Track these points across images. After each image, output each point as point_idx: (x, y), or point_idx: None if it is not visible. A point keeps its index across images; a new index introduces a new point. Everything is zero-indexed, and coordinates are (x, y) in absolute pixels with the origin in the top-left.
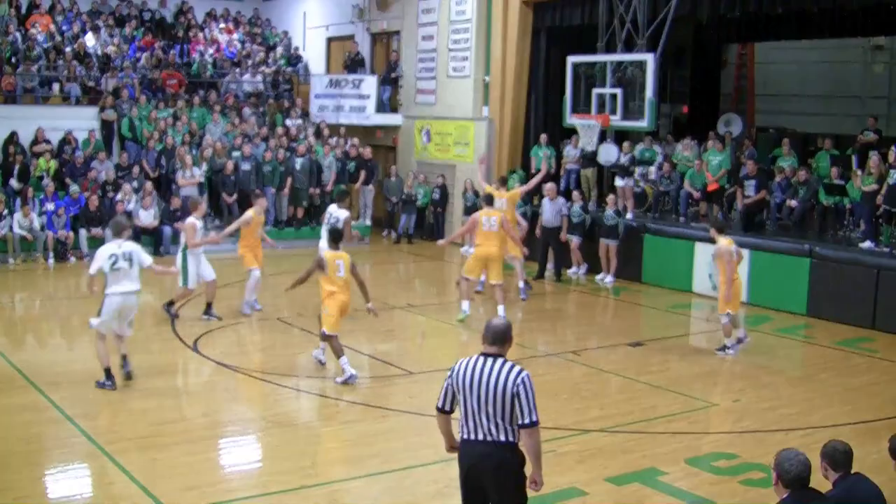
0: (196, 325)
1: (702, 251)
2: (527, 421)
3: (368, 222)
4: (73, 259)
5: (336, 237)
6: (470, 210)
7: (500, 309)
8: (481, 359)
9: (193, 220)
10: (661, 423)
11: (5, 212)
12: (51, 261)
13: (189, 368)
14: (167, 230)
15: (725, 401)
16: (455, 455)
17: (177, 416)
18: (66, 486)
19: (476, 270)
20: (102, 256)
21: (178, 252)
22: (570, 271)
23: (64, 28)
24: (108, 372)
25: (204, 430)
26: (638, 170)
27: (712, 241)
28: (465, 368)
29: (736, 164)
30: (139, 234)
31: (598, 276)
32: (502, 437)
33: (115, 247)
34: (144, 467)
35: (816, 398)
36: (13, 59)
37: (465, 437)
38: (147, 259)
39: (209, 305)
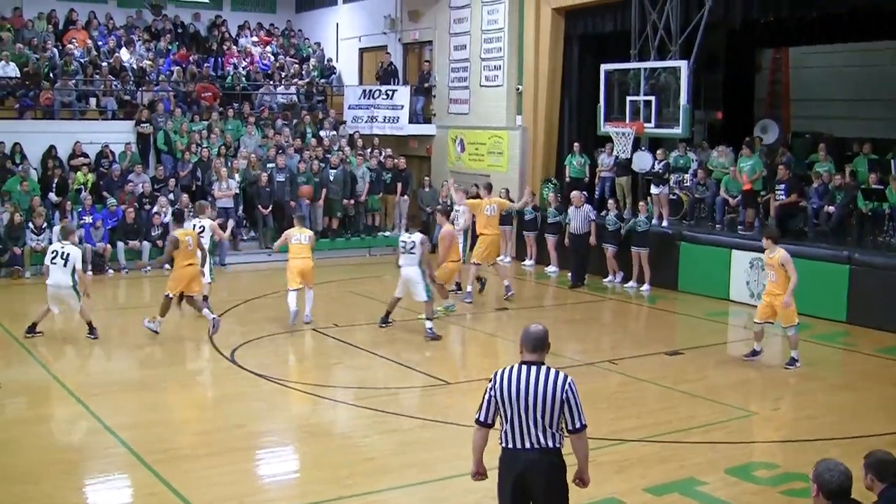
0: (233, 336)
1: (738, 258)
2: (578, 425)
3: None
4: (110, 271)
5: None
6: (505, 219)
7: (507, 282)
8: (524, 367)
9: (211, 220)
10: (700, 433)
11: (45, 225)
12: (89, 273)
13: (226, 379)
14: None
15: (765, 409)
16: (478, 477)
17: (215, 427)
18: (106, 496)
19: (485, 255)
20: (48, 252)
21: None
22: (606, 280)
23: (100, 43)
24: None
25: (242, 441)
26: (673, 177)
27: (762, 249)
28: (509, 378)
29: (773, 170)
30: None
31: (628, 285)
32: (550, 444)
33: (59, 246)
34: (183, 477)
35: (857, 407)
36: (51, 75)
37: (511, 446)
38: (77, 265)
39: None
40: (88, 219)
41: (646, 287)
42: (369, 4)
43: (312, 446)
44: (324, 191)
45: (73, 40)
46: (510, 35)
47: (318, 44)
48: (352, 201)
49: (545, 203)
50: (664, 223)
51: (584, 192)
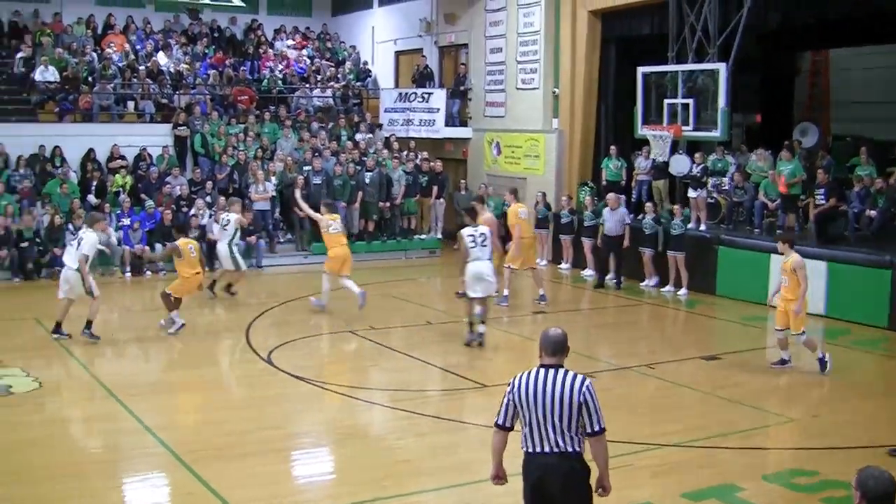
0: (270, 338)
1: (777, 262)
2: (596, 428)
3: (440, 235)
4: (148, 273)
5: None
6: (541, 222)
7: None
8: (542, 371)
9: (238, 216)
10: (738, 438)
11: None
12: (127, 274)
13: (263, 380)
14: (240, 244)
15: (804, 416)
16: (497, 481)
17: (252, 427)
18: (145, 495)
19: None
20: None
21: (226, 246)
22: (643, 284)
23: (138, 47)
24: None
25: (278, 441)
26: (711, 180)
27: (781, 253)
28: (527, 382)
29: (812, 174)
30: (213, 247)
31: (665, 289)
32: (569, 448)
33: (81, 231)
34: (221, 477)
35: None
36: (90, 79)
37: (531, 450)
38: (83, 250)
39: (223, 286)
40: (126, 221)
41: (683, 291)
42: (405, 7)
43: (348, 448)
44: (360, 194)
45: (112, 44)
46: (546, 37)
47: (354, 47)
48: (387, 204)
49: (581, 206)
50: (702, 227)
51: (622, 196)
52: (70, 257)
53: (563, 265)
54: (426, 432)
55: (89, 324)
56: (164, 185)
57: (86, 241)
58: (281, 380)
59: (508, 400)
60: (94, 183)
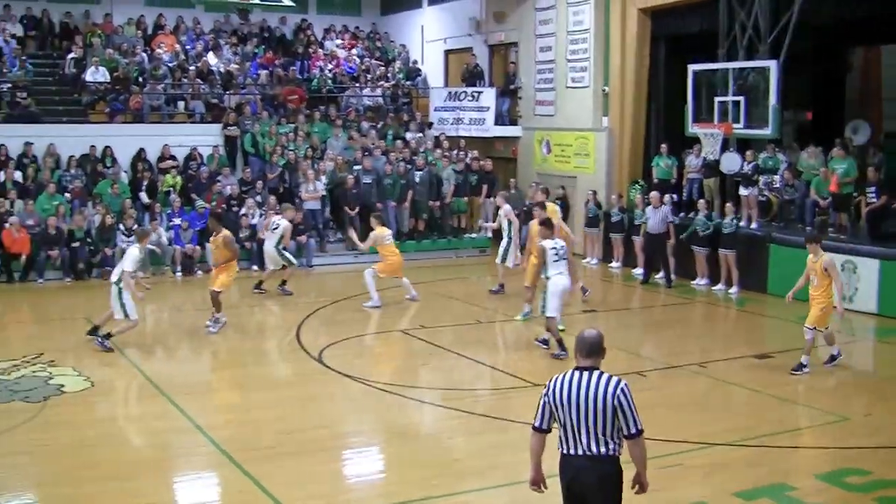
0: (321, 337)
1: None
2: (633, 431)
3: (489, 234)
4: (199, 272)
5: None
6: (592, 221)
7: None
8: (577, 373)
9: (288, 223)
10: (790, 437)
11: (135, 226)
12: (178, 274)
13: (314, 379)
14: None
15: (856, 415)
16: (535, 487)
17: (302, 426)
18: (196, 493)
19: None
20: None
21: (273, 249)
22: (694, 282)
23: (188, 47)
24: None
25: (329, 440)
26: (762, 178)
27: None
28: (562, 384)
29: (863, 172)
30: (261, 247)
31: (717, 287)
32: (602, 450)
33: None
34: (272, 476)
35: None
36: (140, 79)
37: (566, 452)
38: (125, 265)
39: (278, 284)
40: (177, 220)
41: (734, 289)
42: (454, 6)
43: (398, 447)
44: (410, 193)
45: (162, 45)
46: (596, 36)
47: (404, 46)
48: (437, 203)
49: (632, 205)
50: (753, 225)
51: (673, 195)
52: (115, 271)
53: (614, 264)
54: (477, 431)
55: (103, 333)
56: (215, 185)
57: (128, 256)
58: (331, 379)
59: (544, 402)
60: (145, 183)
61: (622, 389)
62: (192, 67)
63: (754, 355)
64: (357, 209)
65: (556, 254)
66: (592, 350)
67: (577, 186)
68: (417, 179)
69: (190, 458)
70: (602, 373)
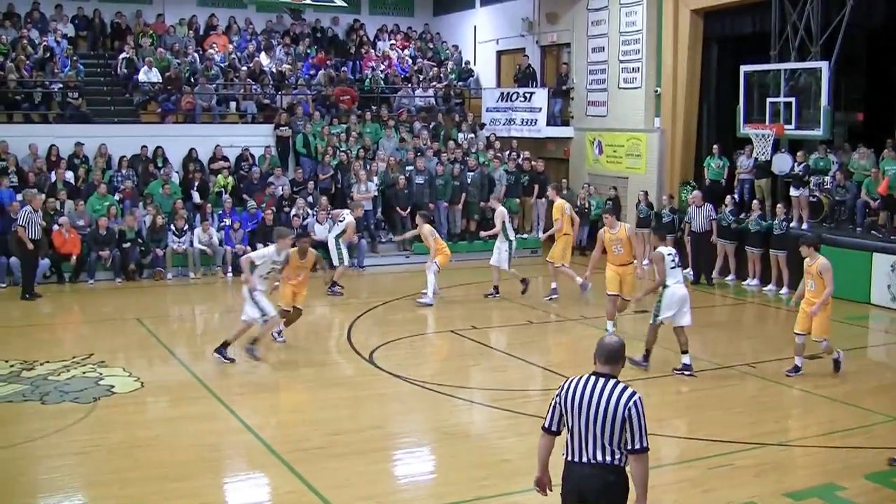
0: (372, 337)
1: (880, 262)
2: (637, 446)
3: (541, 235)
4: None
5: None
6: (642, 222)
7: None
8: (592, 378)
9: (353, 219)
10: (839, 438)
11: (186, 227)
12: (229, 275)
13: (364, 380)
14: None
15: None
16: (539, 488)
17: (352, 427)
18: (247, 493)
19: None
20: None
21: (332, 239)
22: (746, 283)
23: (240, 48)
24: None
25: (379, 441)
26: (813, 179)
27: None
28: (575, 387)
29: None
30: (315, 248)
31: (768, 288)
32: (608, 459)
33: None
34: (321, 476)
35: None
36: (192, 79)
37: (569, 458)
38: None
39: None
40: (228, 221)
41: (785, 290)
42: (507, 7)
43: (449, 447)
44: (463, 194)
45: (214, 45)
46: (648, 37)
47: (456, 46)
48: (489, 204)
49: (684, 205)
50: (804, 226)
51: (735, 196)
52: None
53: None
54: (527, 432)
55: (251, 339)
56: (266, 186)
57: (259, 253)
58: (382, 379)
59: (555, 403)
60: (196, 183)
61: (635, 402)
62: (243, 68)
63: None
64: (408, 210)
65: (673, 260)
66: (611, 357)
67: (628, 187)
68: (469, 180)
69: (240, 459)
70: (618, 382)
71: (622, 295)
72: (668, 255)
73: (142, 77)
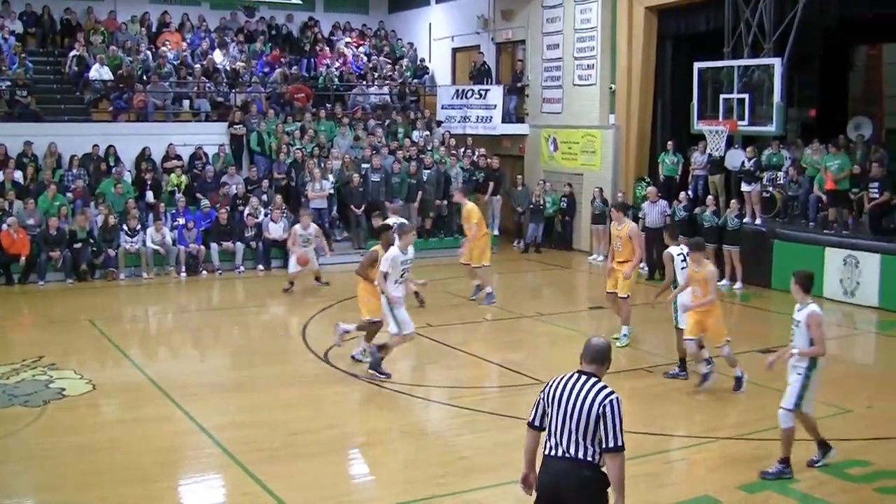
0: (327, 336)
1: (832, 256)
2: (611, 445)
3: (497, 232)
4: (204, 273)
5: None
6: (598, 218)
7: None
8: (576, 376)
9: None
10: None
11: (139, 227)
12: (183, 274)
13: (320, 379)
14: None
15: (858, 407)
16: (525, 486)
17: (308, 427)
18: (203, 496)
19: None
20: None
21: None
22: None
23: (193, 45)
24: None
25: (336, 441)
26: (766, 175)
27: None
28: (558, 384)
29: (866, 168)
30: (269, 247)
31: (721, 283)
32: (580, 454)
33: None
34: (278, 478)
35: None
36: (144, 77)
37: (546, 452)
38: (382, 266)
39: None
40: (182, 220)
41: (738, 285)
42: (462, 4)
43: (406, 446)
44: (419, 192)
45: (167, 42)
46: (603, 34)
47: (411, 44)
48: (444, 202)
49: (638, 201)
50: (757, 221)
51: (689, 192)
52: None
53: None
54: (484, 429)
55: (378, 344)
56: (221, 185)
57: (386, 256)
58: (338, 379)
59: (540, 399)
60: (149, 182)
61: (611, 401)
62: (197, 65)
63: (758, 350)
64: (363, 208)
65: (684, 260)
66: (596, 357)
67: (583, 183)
68: (425, 178)
69: (195, 461)
70: (598, 381)
71: (618, 292)
72: (679, 254)
73: (93, 75)
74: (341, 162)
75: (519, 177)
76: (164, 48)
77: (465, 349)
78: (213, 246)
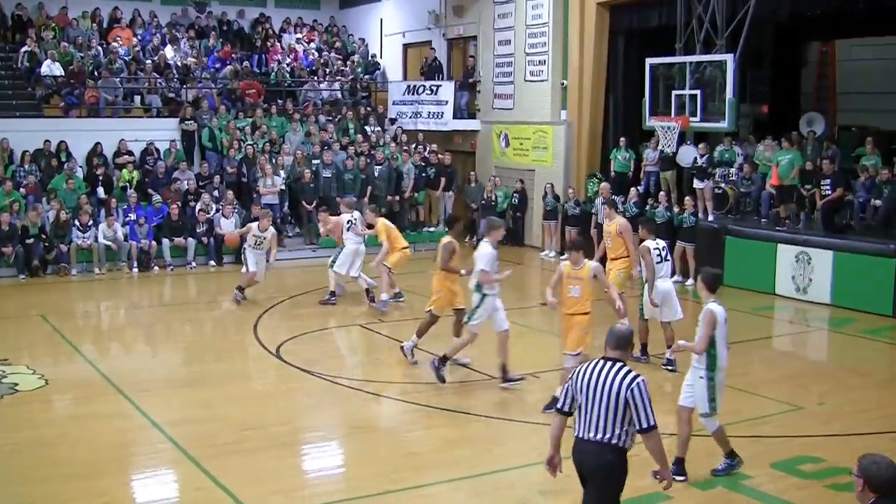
0: (279, 332)
1: (784, 253)
2: (644, 426)
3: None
4: (156, 268)
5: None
6: (549, 214)
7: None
8: (601, 362)
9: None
10: (746, 427)
11: (90, 222)
12: (134, 270)
13: (272, 375)
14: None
15: (810, 404)
16: (550, 467)
17: (261, 423)
18: (155, 491)
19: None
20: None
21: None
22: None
23: (144, 41)
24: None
25: (288, 436)
26: (719, 171)
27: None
28: (585, 371)
29: (818, 165)
30: (221, 243)
31: (674, 279)
32: (607, 438)
33: None
34: (230, 473)
35: None
36: (96, 73)
37: (577, 435)
38: (479, 264)
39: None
40: (133, 216)
41: (691, 281)
42: (413, 0)
43: (358, 441)
44: (369, 188)
45: (118, 38)
46: (554, 30)
47: (363, 39)
48: (396, 197)
49: (589, 198)
50: (709, 217)
51: (639, 188)
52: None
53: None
54: (436, 425)
55: (444, 359)
56: (172, 181)
57: (481, 256)
58: (290, 374)
59: (568, 386)
60: (101, 178)
61: (637, 385)
62: (148, 61)
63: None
64: (315, 203)
65: (660, 254)
66: (619, 343)
67: (535, 179)
68: (376, 174)
69: (147, 456)
70: (623, 366)
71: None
72: (655, 248)
73: (44, 70)
74: (293, 158)
75: (472, 173)
76: (115, 44)
77: (417, 345)
78: (165, 241)
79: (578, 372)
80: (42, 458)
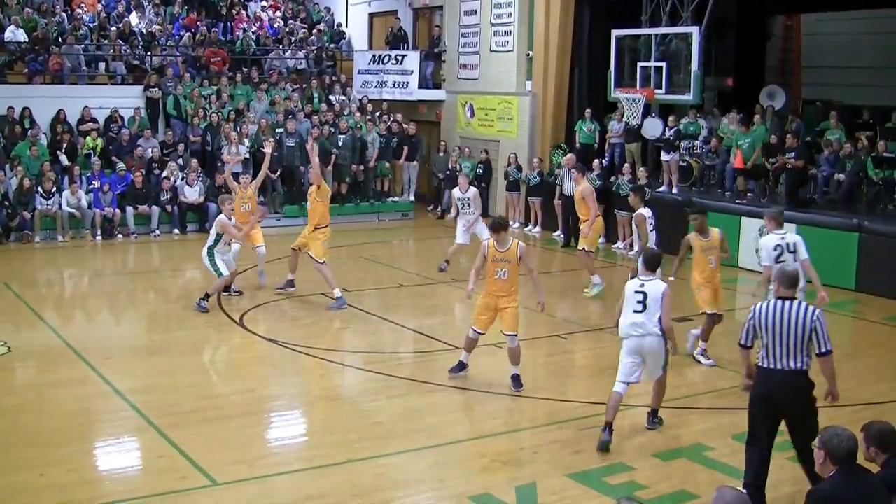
0: (242, 301)
1: (748, 226)
2: (823, 350)
3: (412, 198)
4: (120, 236)
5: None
6: (512, 185)
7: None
8: (779, 302)
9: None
10: (708, 399)
11: (54, 189)
12: (98, 238)
13: (235, 344)
14: (212, 206)
15: None
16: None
17: (224, 391)
18: (117, 459)
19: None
20: None
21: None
22: (615, 246)
23: (109, 7)
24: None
25: (251, 405)
26: (683, 144)
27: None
28: (767, 310)
29: (782, 138)
30: (185, 211)
31: (635, 251)
32: (797, 366)
33: None
34: (193, 441)
35: (865, 374)
36: (60, 39)
37: (766, 366)
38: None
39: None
40: (97, 183)
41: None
42: None
43: (321, 410)
44: (333, 156)
45: (83, 5)
46: (520, 0)
47: (328, 8)
48: (361, 167)
49: (554, 169)
50: (674, 190)
51: (603, 160)
52: None
53: (534, 227)
54: (399, 394)
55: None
56: (136, 148)
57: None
58: (253, 343)
59: (750, 325)
60: (65, 145)
61: (818, 316)
62: (113, 28)
63: (674, 318)
64: (279, 172)
65: (652, 223)
66: (792, 283)
67: (500, 150)
68: (341, 143)
69: (110, 424)
70: (801, 302)
71: (586, 247)
72: (649, 216)
73: (8, 36)
74: (257, 126)
75: (443, 142)
76: (79, 10)
77: (381, 315)
78: (129, 209)
79: (759, 313)
80: (4, 427)
